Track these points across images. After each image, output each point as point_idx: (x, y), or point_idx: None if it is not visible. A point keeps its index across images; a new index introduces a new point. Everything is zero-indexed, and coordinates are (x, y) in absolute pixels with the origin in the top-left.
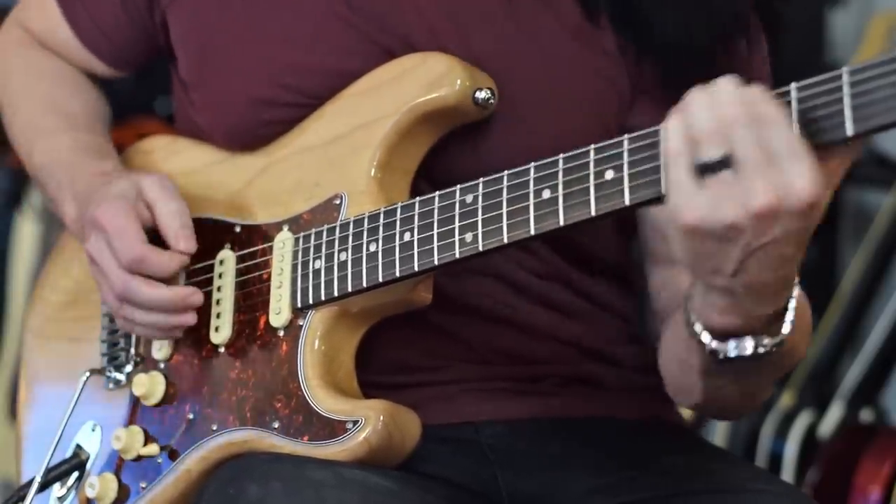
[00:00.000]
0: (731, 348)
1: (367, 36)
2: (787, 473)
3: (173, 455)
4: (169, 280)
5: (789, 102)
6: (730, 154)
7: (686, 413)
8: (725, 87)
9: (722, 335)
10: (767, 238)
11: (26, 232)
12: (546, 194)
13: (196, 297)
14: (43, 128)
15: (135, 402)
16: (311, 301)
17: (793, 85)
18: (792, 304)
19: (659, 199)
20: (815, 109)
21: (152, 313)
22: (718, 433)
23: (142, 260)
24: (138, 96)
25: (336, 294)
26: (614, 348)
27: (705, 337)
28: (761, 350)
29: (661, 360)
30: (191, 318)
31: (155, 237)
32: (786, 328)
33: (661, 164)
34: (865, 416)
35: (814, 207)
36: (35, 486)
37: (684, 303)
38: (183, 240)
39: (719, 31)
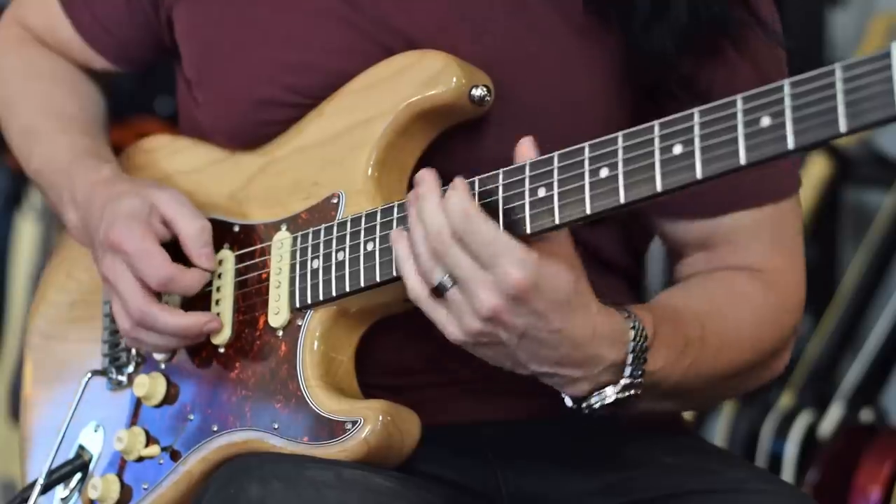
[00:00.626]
0: (594, 402)
1: (369, 36)
2: (787, 473)
3: (175, 456)
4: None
5: (492, 200)
6: (451, 274)
7: (686, 413)
8: (430, 210)
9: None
10: (521, 328)
11: (26, 232)
12: (541, 192)
13: (213, 324)
14: (40, 131)
15: (136, 402)
16: (309, 301)
17: (785, 81)
18: (631, 346)
19: (655, 197)
20: (516, 198)
21: (165, 337)
22: (718, 433)
23: (171, 279)
24: (138, 96)
25: (334, 294)
26: None
27: (568, 402)
28: (622, 395)
29: None
30: (199, 340)
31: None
32: (626, 371)
33: (654, 162)
34: (865, 416)
35: (538, 286)
36: (38, 487)
37: None
38: (205, 259)
39: (696, 35)
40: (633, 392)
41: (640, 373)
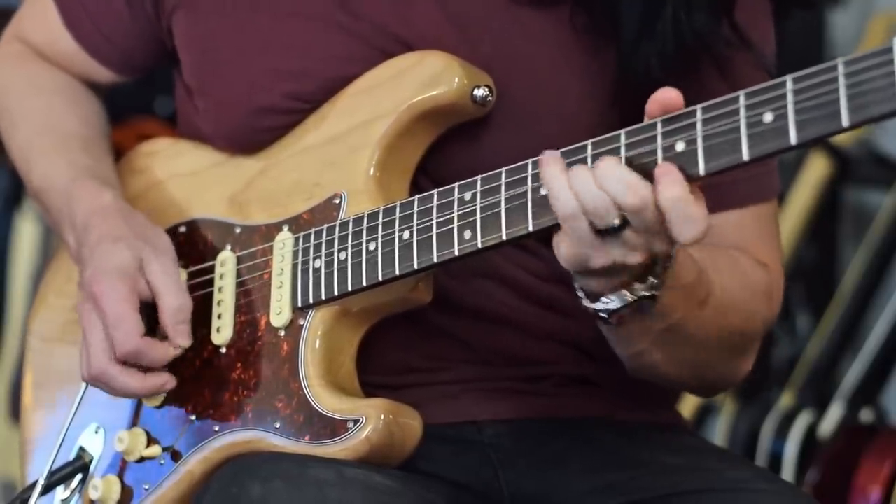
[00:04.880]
0: (612, 300)
1: (368, 43)
2: (787, 473)
3: (176, 456)
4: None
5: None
6: (625, 220)
7: (686, 413)
8: (611, 172)
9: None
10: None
11: (26, 232)
12: (543, 191)
13: (169, 384)
14: (40, 149)
15: (137, 403)
16: (311, 300)
17: (788, 77)
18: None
19: None
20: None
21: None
22: (718, 433)
23: (138, 353)
24: (138, 96)
25: (336, 293)
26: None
27: (587, 302)
28: (632, 297)
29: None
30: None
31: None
32: (657, 271)
33: (656, 160)
34: (865, 416)
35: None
36: (38, 488)
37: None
38: (181, 336)
39: (680, 55)
40: (656, 293)
41: (663, 276)
